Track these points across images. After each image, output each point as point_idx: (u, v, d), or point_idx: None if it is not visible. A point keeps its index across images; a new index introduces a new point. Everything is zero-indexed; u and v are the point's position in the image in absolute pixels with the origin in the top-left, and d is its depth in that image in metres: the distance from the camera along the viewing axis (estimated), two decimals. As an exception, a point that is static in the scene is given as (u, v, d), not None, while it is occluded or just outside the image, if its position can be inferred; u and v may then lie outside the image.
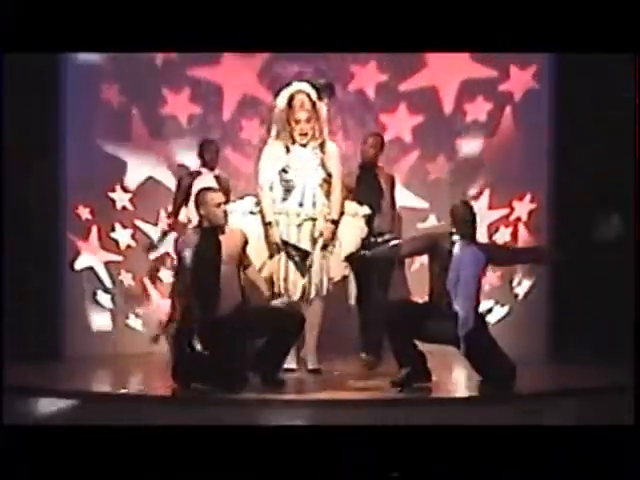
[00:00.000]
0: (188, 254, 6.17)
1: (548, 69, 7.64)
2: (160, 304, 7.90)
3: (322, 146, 6.75)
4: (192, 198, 6.62)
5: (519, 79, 7.78)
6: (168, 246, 7.76)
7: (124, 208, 7.83)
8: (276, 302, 6.59)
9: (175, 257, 6.41)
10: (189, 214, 7.22)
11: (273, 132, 6.86)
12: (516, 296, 7.81)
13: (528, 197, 7.76)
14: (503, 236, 7.78)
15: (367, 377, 6.73)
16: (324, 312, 6.87)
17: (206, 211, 6.22)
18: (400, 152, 8.00)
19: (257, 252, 6.58)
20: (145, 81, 7.86)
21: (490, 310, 7.54)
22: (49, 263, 7.58)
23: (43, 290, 7.59)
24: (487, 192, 7.86)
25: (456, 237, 6.30)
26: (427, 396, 6.11)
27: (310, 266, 6.64)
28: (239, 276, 6.28)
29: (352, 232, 6.78)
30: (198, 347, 6.27)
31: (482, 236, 7.72)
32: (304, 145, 6.73)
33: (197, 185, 7.20)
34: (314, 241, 6.66)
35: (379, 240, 7.00)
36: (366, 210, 6.88)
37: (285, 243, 6.63)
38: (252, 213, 6.74)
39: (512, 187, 7.82)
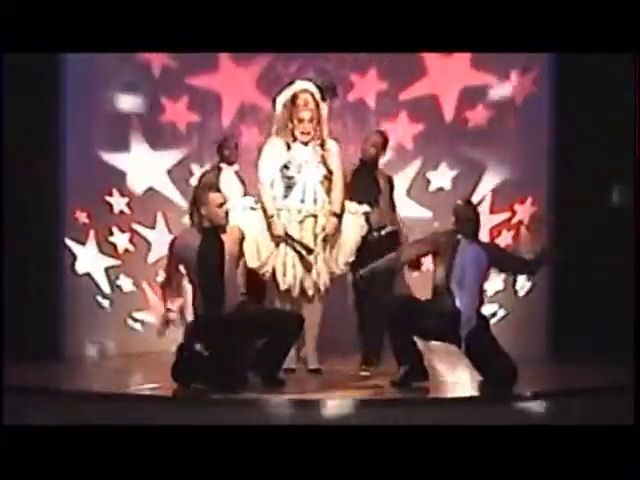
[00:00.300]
0: (192, 254, 6.17)
1: (548, 72, 7.62)
2: (159, 307, 7.90)
3: (323, 144, 6.77)
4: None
5: (519, 84, 7.76)
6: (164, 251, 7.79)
7: (122, 212, 7.81)
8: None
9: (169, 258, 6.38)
10: None
11: (274, 129, 6.87)
12: (516, 292, 7.79)
13: (529, 200, 7.74)
14: (505, 240, 7.77)
15: (367, 377, 6.72)
16: (324, 312, 6.87)
17: (207, 211, 6.23)
18: (402, 161, 7.95)
19: (257, 248, 6.59)
20: (143, 90, 7.86)
21: (494, 314, 7.53)
22: (49, 263, 7.58)
23: (43, 290, 7.60)
24: (489, 196, 7.85)
25: (459, 236, 6.31)
26: (427, 396, 6.12)
27: (312, 261, 6.64)
28: (236, 274, 6.31)
29: (353, 229, 6.79)
30: (197, 347, 6.29)
31: (484, 238, 7.74)
32: (305, 143, 6.74)
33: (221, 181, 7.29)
34: (315, 237, 6.66)
35: (382, 233, 7.04)
36: (365, 208, 6.89)
37: (289, 236, 6.62)
38: (252, 209, 6.74)
39: (513, 190, 7.81)
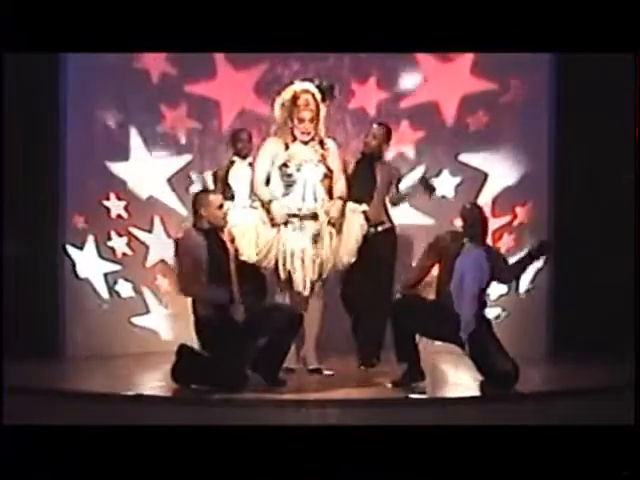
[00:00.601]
0: (202, 253, 6.17)
1: (548, 76, 7.59)
2: (157, 310, 7.91)
3: (322, 143, 6.78)
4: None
5: (519, 89, 7.72)
6: (162, 255, 7.79)
7: (119, 216, 7.75)
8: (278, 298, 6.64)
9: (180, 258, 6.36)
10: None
11: (273, 128, 6.88)
12: (517, 289, 7.77)
13: (530, 203, 7.71)
14: (507, 243, 7.74)
15: (367, 377, 6.73)
16: (324, 312, 6.88)
17: (207, 213, 6.26)
18: (404, 169, 7.89)
19: (256, 242, 6.61)
20: (142, 98, 7.83)
21: (497, 317, 7.52)
22: (49, 263, 7.57)
23: (43, 290, 7.60)
24: (489, 201, 7.83)
25: (465, 239, 6.31)
26: (427, 396, 6.11)
27: (316, 240, 6.63)
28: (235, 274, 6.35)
29: (353, 228, 6.79)
30: (197, 347, 6.29)
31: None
32: (305, 143, 6.75)
33: (232, 175, 7.28)
34: (316, 235, 6.65)
35: (379, 229, 7.04)
36: (364, 207, 6.89)
37: (290, 215, 6.63)
38: (252, 207, 6.74)
39: (514, 193, 7.77)
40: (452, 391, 6.64)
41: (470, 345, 6.21)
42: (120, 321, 7.76)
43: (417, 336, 6.31)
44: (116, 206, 7.74)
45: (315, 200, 6.70)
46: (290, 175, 6.71)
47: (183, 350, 6.33)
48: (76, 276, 7.55)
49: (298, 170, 6.70)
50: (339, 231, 6.72)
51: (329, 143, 6.83)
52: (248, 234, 6.59)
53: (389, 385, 6.29)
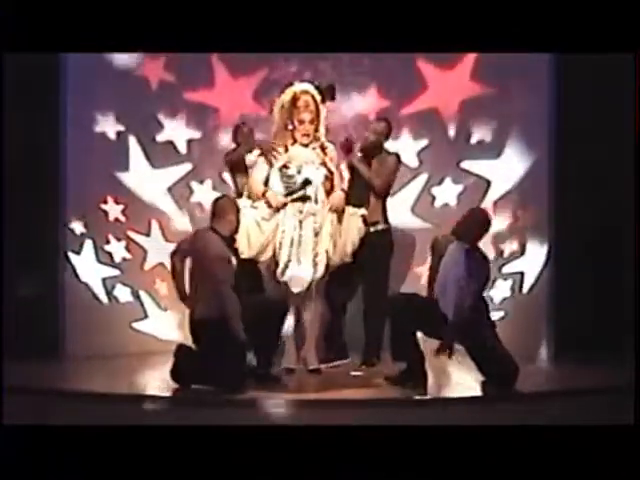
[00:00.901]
0: (225, 263, 6.21)
1: (548, 80, 7.57)
2: (156, 314, 7.90)
3: (322, 146, 6.79)
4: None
5: (520, 94, 7.69)
6: (160, 258, 7.79)
7: (117, 220, 7.72)
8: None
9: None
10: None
11: (273, 130, 6.88)
12: (521, 288, 7.76)
13: (532, 206, 7.68)
14: (510, 246, 7.72)
15: (367, 377, 6.73)
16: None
17: (233, 218, 6.37)
18: (407, 177, 7.90)
19: (258, 240, 6.62)
20: (141, 107, 7.80)
21: (502, 318, 7.52)
22: (49, 263, 7.57)
23: (43, 290, 7.59)
24: (490, 204, 7.82)
25: (453, 237, 6.32)
26: (427, 396, 6.11)
27: (317, 232, 6.64)
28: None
29: (351, 231, 6.79)
30: (196, 347, 6.29)
31: (487, 245, 7.72)
32: (305, 145, 6.75)
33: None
34: (316, 235, 6.66)
35: (377, 229, 7.04)
36: (363, 211, 6.89)
37: (288, 194, 6.64)
38: (252, 207, 6.74)
39: (516, 196, 7.74)
40: (452, 391, 6.64)
41: (469, 343, 6.21)
42: (120, 321, 7.75)
43: (418, 335, 6.32)
44: (114, 209, 7.70)
45: (316, 202, 6.70)
46: (291, 177, 6.72)
47: (181, 350, 6.33)
48: (76, 276, 7.55)
49: (299, 172, 6.71)
50: (339, 221, 6.71)
51: (329, 146, 6.84)
52: (248, 232, 6.60)
53: (386, 383, 6.31)
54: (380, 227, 7.11)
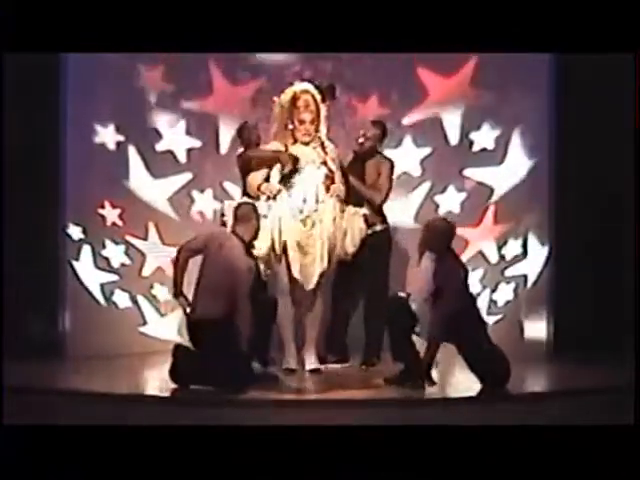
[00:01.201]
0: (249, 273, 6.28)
1: (548, 84, 7.57)
2: (155, 320, 7.89)
3: (322, 145, 6.79)
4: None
5: (520, 99, 7.68)
6: (158, 262, 7.77)
7: (114, 224, 7.67)
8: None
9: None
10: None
11: (273, 130, 6.89)
12: (525, 282, 7.77)
13: (534, 208, 7.65)
14: (513, 249, 7.71)
15: (367, 377, 6.73)
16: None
17: (257, 226, 6.45)
18: (409, 186, 7.91)
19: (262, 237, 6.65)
20: (140, 117, 7.79)
21: (497, 322, 7.52)
22: (49, 262, 7.57)
23: (43, 289, 7.59)
24: (491, 208, 7.79)
25: (426, 250, 6.35)
26: (427, 396, 6.11)
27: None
28: None
29: (352, 231, 6.79)
30: (195, 347, 6.30)
31: (489, 249, 7.73)
32: (305, 144, 6.75)
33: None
34: (317, 234, 6.66)
35: (376, 230, 7.04)
36: (365, 210, 6.89)
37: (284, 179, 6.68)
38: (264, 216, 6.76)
39: (518, 198, 7.72)
40: (452, 391, 6.63)
41: (458, 342, 6.22)
42: (120, 322, 7.74)
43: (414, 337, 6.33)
44: (111, 214, 7.65)
45: (317, 201, 6.70)
46: (292, 176, 6.73)
47: (179, 350, 6.33)
48: (76, 276, 7.54)
49: (299, 172, 6.71)
50: (341, 217, 6.71)
51: (329, 145, 6.85)
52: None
53: (384, 383, 6.32)
54: (378, 228, 7.11)
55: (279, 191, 6.67)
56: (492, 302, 7.71)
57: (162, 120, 7.88)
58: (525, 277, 7.65)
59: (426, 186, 7.94)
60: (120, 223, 7.69)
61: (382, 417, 5.56)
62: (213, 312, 6.17)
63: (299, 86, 6.77)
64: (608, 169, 7.71)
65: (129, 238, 7.73)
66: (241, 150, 7.36)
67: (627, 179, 6.94)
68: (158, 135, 7.89)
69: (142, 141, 7.81)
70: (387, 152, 7.49)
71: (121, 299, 7.72)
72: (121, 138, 7.70)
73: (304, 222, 6.66)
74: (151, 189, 7.87)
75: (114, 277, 7.68)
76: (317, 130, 6.78)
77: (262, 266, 6.71)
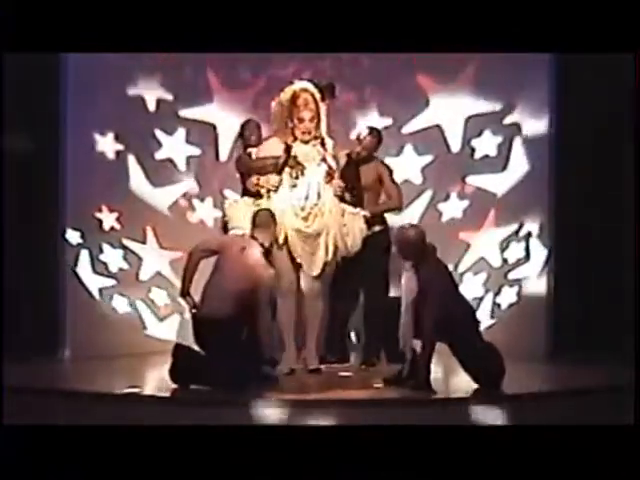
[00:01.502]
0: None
1: (549, 83, 7.58)
2: (154, 324, 7.88)
3: (323, 143, 6.81)
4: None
5: (522, 107, 7.69)
6: (156, 267, 7.77)
7: (112, 228, 7.65)
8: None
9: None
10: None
11: (273, 128, 6.91)
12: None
13: (537, 210, 7.64)
14: (515, 252, 7.72)
15: (367, 377, 6.73)
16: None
17: (266, 232, 6.45)
18: (412, 195, 7.90)
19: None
20: (139, 126, 7.77)
21: (488, 328, 7.53)
22: (49, 263, 7.56)
23: (43, 290, 7.59)
24: (493, 211, 7.79)
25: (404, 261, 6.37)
26: (427, 396, 6.11)
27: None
28: None
29: (355, 228, 6.80)
30: (195, 347, 6.30)
31: (492, 253, 7.72)
32: (306, 142, 6.76)
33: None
34: (319, 229, 6.66)
35: (375, 230, 7.04)
36: (365, 212, 6.90)
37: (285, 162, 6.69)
38: (255, 205, 6.75)
39: (520, 202, 7.72)
40: (452, 391, 6.63)
41: (455, 344, 6.22)
42: (120, 322, 7.74)
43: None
44: (109, 218, 7.62)
45: (319, 198, 6.71)
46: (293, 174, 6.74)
47: (179, 350, 6.33)
48: (76, 275, 7.53)
49: (301, 169, 6.72)
50: (343, 210, 6.74)
51: (329, 142, 6.87)
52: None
53: (384, 384, 6.32)
54: (377, 228, 7.11)
55: (279, 182, 6.69)
56: (496, 305, 7.72)
57: (161, 128, 7.87)
58: (528, 280, 7.66)
59: (428, 194, 7.95)
60: (118, 227, 7.66)
61: (382, 417, 5.56)
62: (224, 312, 6.16)
63: (298, 85, 6.78)
64: (608, 169, 7.71)
65: (127, 242, 7.71)
66: (240, 152, 7.36)
67: (627, 179, 6.94)
68: (157, 143, 7.88)
69: (141, 149, 7.79)
70: (388, 160, 7.50)
71: (120, 304, 7.71)
72: (120, 147, 7.68)
73: (306, 218, 6.67)
74: (151, 197, 7.85)
75: (112, 282, 7.67)
76: (317, 128, 6.78)
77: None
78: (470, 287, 7.70)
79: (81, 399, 6.01)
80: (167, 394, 6.18)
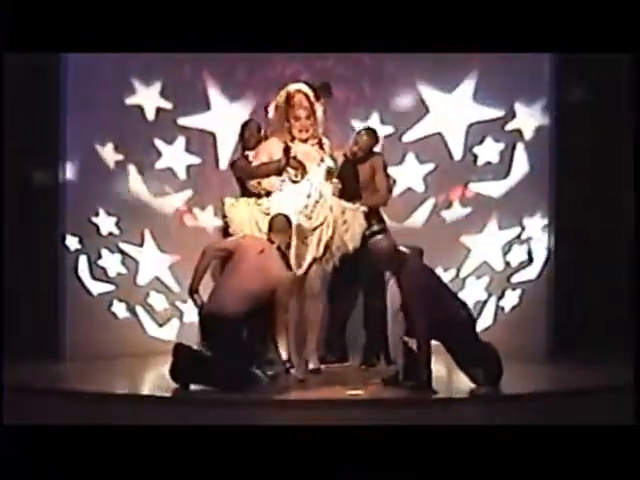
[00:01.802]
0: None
1: (548, 79, 7.58)
2: (154, 329, 7.88)
3: (320, 143, 6.84)
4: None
5: (523, 114, 7.69)
6: (155, 270, 7.76)
7: (110, 234, 7.63)
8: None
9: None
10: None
11: (269, 131, 6.93)
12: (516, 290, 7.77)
13: (539, 213, 7.66)
14: (518, 256, 7.71)
15: (367, 377, 6.73)
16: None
17: (283, 236, 6.48)
18: (415, 202, 7.92)
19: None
20: (139, 136, 7.77)
21: (487, 328, 7.53)
22: (49, 263, 7.56)
23: (43, 290, 7.59)
24: (495, 214, 7.81)
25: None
26: (427, 396, 6.11)
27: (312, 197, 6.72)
28: None
29: (354, 224, 6.81)
30: (197, 347, 6.30)
31: (496, 256, 7.71)
32: (304, 141, 6.78)
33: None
34: (320, 225, 6.67)
35: (373, 230, 7.04)
36: (364, 208, 6.90)
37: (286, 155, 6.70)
38: (257, 204, 6.75)
39: (522, 205, 7.72)
40: (452, 391, 6.63)
41: (449, 343, 6.22)
42: (120, 322, 7.75)
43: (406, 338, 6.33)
44: (107, 223, 7.61)
45: (320, 196, 6.73)
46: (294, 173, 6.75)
47: (179, 350, 6.32)
48: (76, 276, 7.53)
49: (304, 177, 6.75)
50: (343, 208, 6.75)
51: (326, 142, 6.92)
52: (258, 225, 6.65)
53: (382, 384, 6.32)
54: (376, 228, 7.10)
55: (282, 183, 6.71)
56: (499, 308, 7.72)
57: (161, 137, 7.86)
58: (531, 283, 7.67)
59: (431, 202, 7.96)
60: (117, 232, 7.64)
61: (382, 417, 5.56)
62: (238, 311, 6.17)
63: (292, 86, 6.87)
64: (608, 169, 7.71)
65: (124, 246, 7.69)
66: (238, 155, 7.36)
67: (627, 179, 6.94)
68: (157, 153, 7.87)
69: (141, 159, 7.79)
70: (390, 169, 7.47)
71: (119, 310, 7.71)
72: (120, 157, 7.68)
73: (309, 216, 6.68)
74: (151, 206, 7.85)
75: (111, 287, 7.66)
76: (314, 126, 6.80)
77: None
78: (473, 291, 7.71)
79: (81, 399, 6.02)
80: (167, 394, 6.18)
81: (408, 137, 7.97)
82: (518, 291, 7.68)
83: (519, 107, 7.69)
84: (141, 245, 7.79)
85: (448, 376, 6.80)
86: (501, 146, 7.77)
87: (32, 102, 7.50)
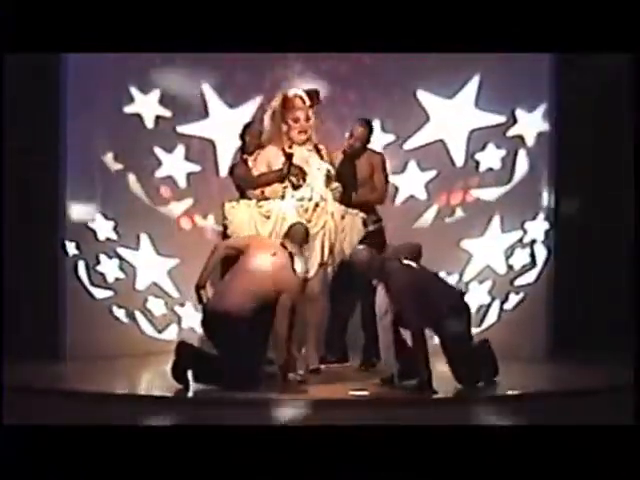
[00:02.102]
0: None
1: (548, 80, 7.59)
2: (151, 333, 7.87)
3: (317, 147, 6.89)
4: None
5: (526, 121, 7.68)
6: (153, 275, 7.76)
7: (108, 239, 7.59)
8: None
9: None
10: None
11: (264, 138, 6.90)
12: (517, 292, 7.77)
13: (541, 216, 7.64)
14: (521, 259, 7.70)
15: (366, 377, 6.73)
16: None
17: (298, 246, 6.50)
18: (418, 210, 7.93)
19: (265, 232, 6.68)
20: (138, 144, 7.74)
21: (486, 329, 7.53)
22: (49, 263, 7.56)
23: (43, 290, 7.59)
24: (497, 217, 7.80)
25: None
26: (427, 396, 6.11)
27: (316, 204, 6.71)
28: None
29: (354, 229, 6.81)
30: (199, 346, 6.30)
31: (498, 260, 7.71)
32: (302, 144, 6.77)
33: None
34: (321, 228, 6.69)
35: (368, 231, 7.05)
36: (363, 214, 6.92)
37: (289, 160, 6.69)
38: (258, 206, 6.76)
39: (523, 208, 7.71)
40: (452, 391, 6.63)
41: (445, 340, 6.23)
42: (120, 322, 7.74)
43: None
44: (104, 227, 7.57)
45: (321, 199, 6.75)
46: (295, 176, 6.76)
47: (182, 348, 6.32)
48: (76, 276, 7.53)
49: (304, 180, 6.76)
50: (343, 213, 6.77)
51: (323, 148, 6.95)
52: (256, 227, 6.66)
53: (380, 384, 6.33)
54: (371, 228, 7.08)
55: (284, 190, 6.71)
56: (503, 312, 7.71)
57: (160, 145, 7.85)
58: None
59: (434, 209, 7.96)
60: (115, 237, 7.62)
61: (382, 417, 5.56)
62: (243, 309, 6.18)
63: (288, 91, 6.86)
64: (608, 169, 7.71)
65: (122, 251, 7.66)
66: (237, 160, 7.36)
67: (627, 179, 6.95)
68: (157, 161, 7.86)
69: (141, 168, 7.77)
70: (392, 178, 7.50)
71: (119, 316, 7.69)
72: (120, 166, 7.66)
73: (308, 220, 6.68)
74: (151, 214, 7.83)
75: (110, 293, 7.64)
76: (311, 128, 6.81)
77: None
78: (476, 295, 7.70)
79: (81, 399, 6.01)
80: (167, 394, 6.18)
81: (409, 145, 7.97)
82: (522, 294, 7.67)
83: (520, 112, 7.68)
84: (136, 248, 7.75)
85: (448, 376, 6.81)
86: (503, 152, 7.76)
87: (32, 102, 7.51)
